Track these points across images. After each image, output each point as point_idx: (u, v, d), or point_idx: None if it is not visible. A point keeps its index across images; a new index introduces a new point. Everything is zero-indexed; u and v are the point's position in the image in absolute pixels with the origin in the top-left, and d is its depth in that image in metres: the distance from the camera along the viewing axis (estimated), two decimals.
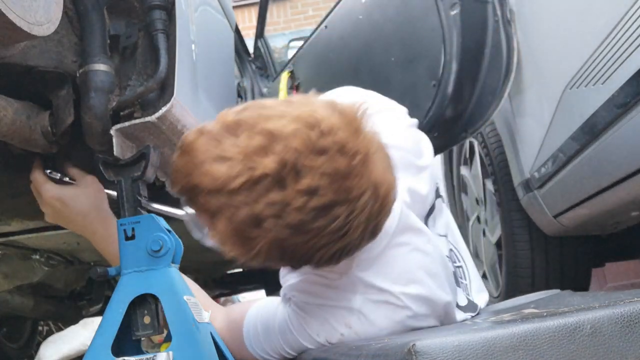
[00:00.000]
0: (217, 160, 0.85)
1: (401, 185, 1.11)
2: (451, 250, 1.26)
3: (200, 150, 0.87)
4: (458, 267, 1.27)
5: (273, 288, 2.92)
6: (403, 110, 1.26)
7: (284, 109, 0.87)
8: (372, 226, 0.93)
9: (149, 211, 1.14)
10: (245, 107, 0.91)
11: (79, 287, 2.13)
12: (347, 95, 1.22)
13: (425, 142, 1.25)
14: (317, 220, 0.86)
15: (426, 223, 1.18)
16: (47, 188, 1.21)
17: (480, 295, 1.33)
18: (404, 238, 1.07)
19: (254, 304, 1.21)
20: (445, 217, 1.28)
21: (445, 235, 1.25)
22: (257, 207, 0.84)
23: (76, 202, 1.22)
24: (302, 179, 0.83)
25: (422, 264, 1.08)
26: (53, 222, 1.27)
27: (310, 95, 0.93)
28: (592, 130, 1.55)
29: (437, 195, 1.25)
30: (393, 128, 1.17)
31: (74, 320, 2.48)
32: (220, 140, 0.86)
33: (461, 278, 1.27)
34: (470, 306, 1.23)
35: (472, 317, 1.22)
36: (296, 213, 0.84)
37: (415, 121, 1.24)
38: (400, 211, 1.06)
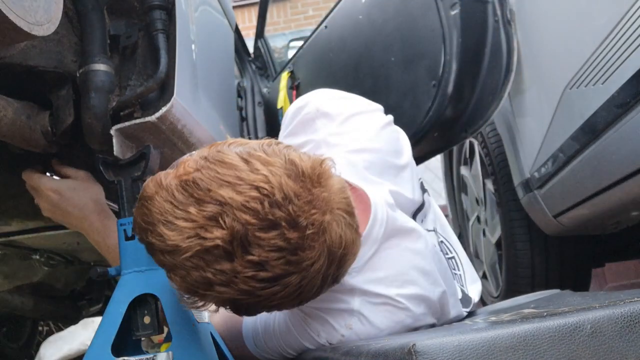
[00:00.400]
0: (169, 227, 0.85)
1: (383, 189, 1.11)
2: (442, 242, 1.26)
3: (156, 210, 0.87)
4: (450, 258, 1.27)
5: None
6: (378, 108, 1.25)
7: (241, 170, 0.85)
8: (329, 281, 0.93)
9: None
10: (206, 158, 0.88)
11: (79, 287, 2.13)
12: (322, 98, 1.21)
13: (403, 139, 1.24)
14: (267, 288, 0.87)
15: (415, 219, 1.18)
16: (44, 180, 1.24)
17: (474, 285, 1.33)
18: (392, 242, 1.07)
19: None
20: (433, 210, 1.28)
21: (434, 230, 1.25)
22: (207, 273, 0.85)
23: (73, 194, 1.24)
24: (250, 252, 0.83)
25: (414, 263, 1.08)
26: (49, 215, 1.28)
27: (274, 147, 0.90)
28: (592, 130, 1.55)
29: (423, 190, 1.26)
30: (369, 131, 1.17)
31: (74, 320, 2.48)
32: (174, 204, 0.86)
33: (454, 269, 1.27)
34: (465, 299, 1.24)
35: (468, 313, 1.22)
36: (246, 282, 0.85)
37: (390, 118, 1.23)
38: (387, 217, 1.06)
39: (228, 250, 0.83)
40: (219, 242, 0.83)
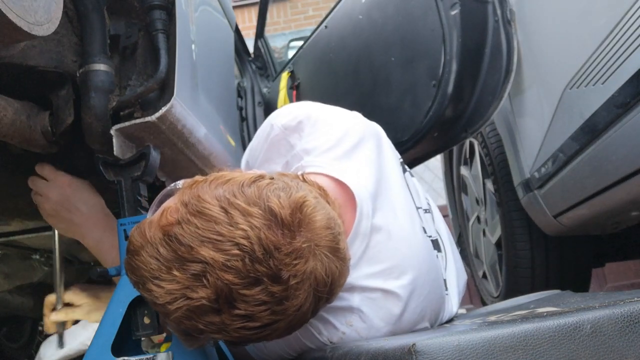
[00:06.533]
0: (157, 285, 0.87)
1: (370, 172, 1.12)
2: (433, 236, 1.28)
3: (143, 267, 0.88)
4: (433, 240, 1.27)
5: None
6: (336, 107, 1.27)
7: (221, 223, 0.85)
8: (320, 307, 0.95)
9: None
10: (186, 205, 0.88)
11: None
12: (282, 116, 1.21)
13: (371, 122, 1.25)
14: (259, 334, 0.89)
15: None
16: (62, 173, 1.28)
17: (453, 275, 1.32)
18: (382, 232, 1.08)
19: None
20: (415, 189, 1.30)
21: (426, 209, 1.27)
22: (199, 324, 0.87)
23: (85, 190, 1.29)
24: (236, 307, 0.85)
25: (407, 253, 1.09)
26: (52, 210, 1.28)
27: (255, 189, 0.89)
28: (592, 130, 1.55)
29: (403, 169, 1.27)
30: (340, 120, 1.20)
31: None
32: (160, 261, 0.87)
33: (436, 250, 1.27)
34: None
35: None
36: (236, 331, 0.88)
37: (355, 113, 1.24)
38: (372, 210, 1.07)
39: (214, 307, 0.85)
40: (204, 301, 0.84)
